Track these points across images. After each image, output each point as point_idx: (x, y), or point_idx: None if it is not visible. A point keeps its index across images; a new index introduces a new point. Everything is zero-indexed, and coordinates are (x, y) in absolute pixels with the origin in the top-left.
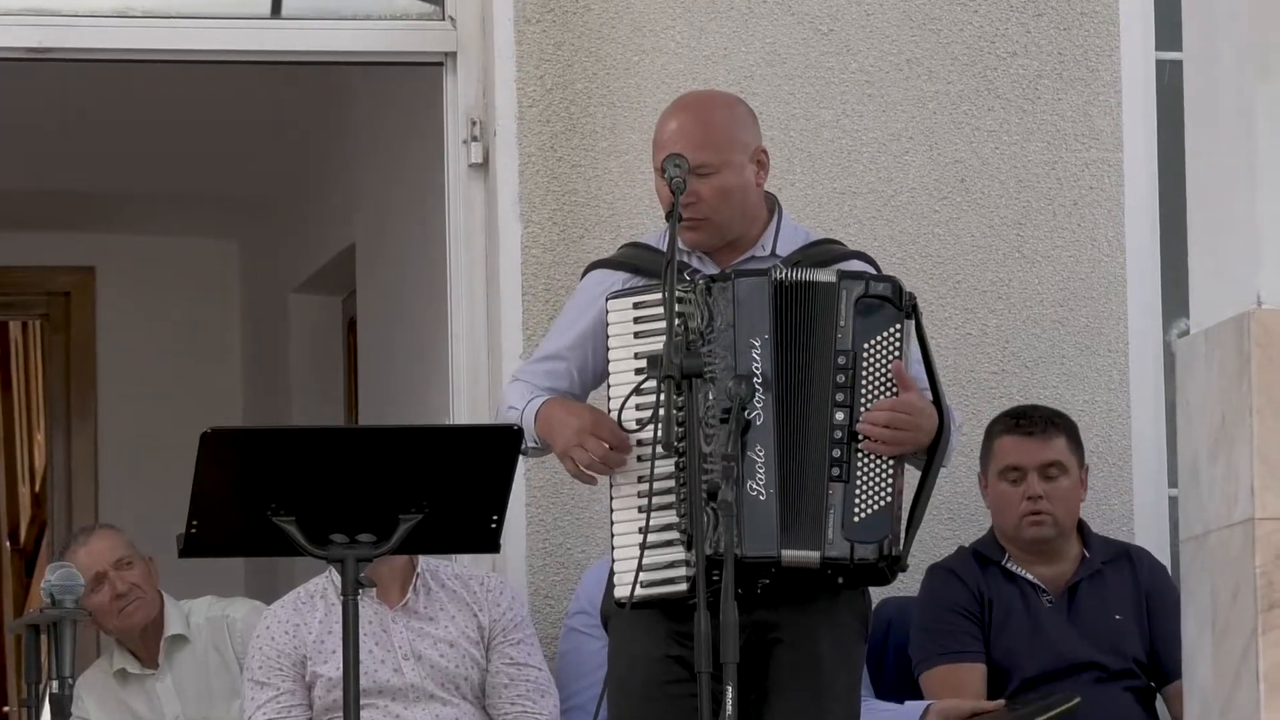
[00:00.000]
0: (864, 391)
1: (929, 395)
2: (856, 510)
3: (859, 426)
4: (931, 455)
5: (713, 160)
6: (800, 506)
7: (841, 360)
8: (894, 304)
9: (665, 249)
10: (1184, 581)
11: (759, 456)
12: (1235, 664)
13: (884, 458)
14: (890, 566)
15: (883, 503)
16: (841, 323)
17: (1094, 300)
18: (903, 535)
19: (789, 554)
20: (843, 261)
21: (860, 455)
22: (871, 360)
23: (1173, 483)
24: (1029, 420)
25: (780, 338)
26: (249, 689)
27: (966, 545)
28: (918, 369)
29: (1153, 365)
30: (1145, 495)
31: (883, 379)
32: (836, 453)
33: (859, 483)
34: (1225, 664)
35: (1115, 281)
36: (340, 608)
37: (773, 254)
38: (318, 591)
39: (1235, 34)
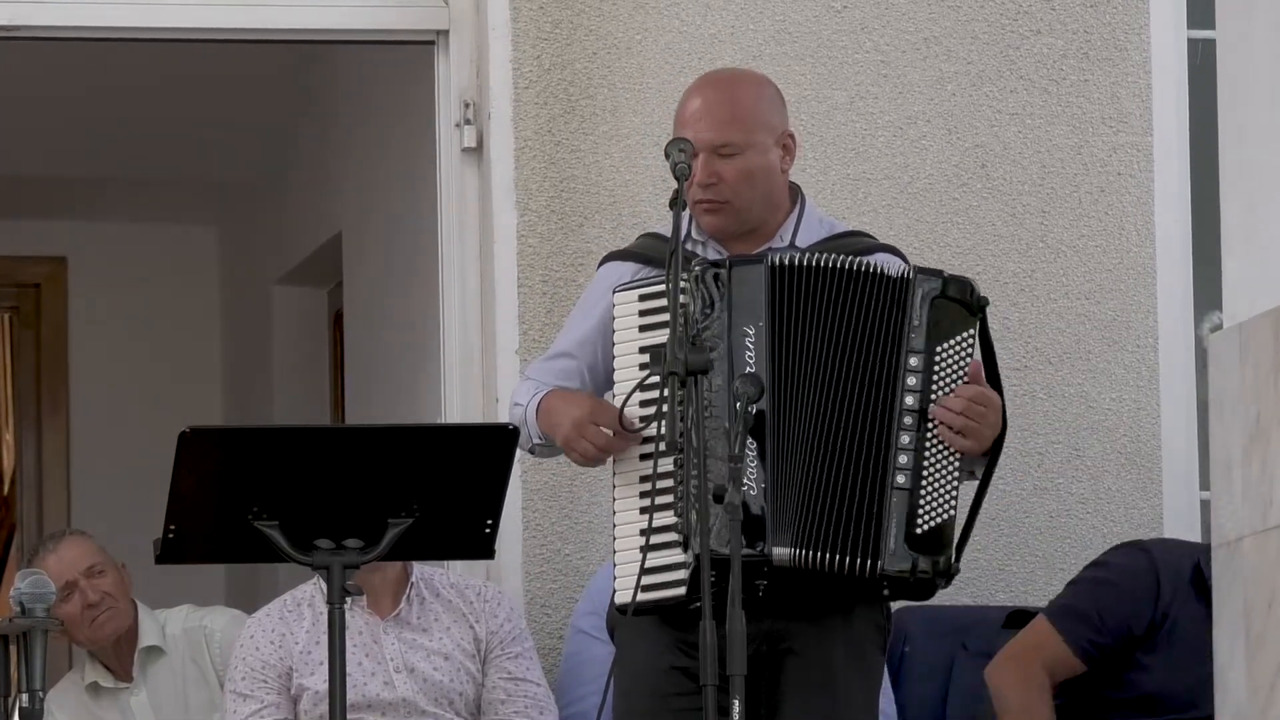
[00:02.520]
0: (935, 396)
1: None
2: (920, 522)
3: (933, 410)
4: (992, 463)
5: (738, 140)
6: (809, 506)
7: (914, 362)
8: (967, 306)
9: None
10: (1216, 589)
11: (750, 451)
12: (1270, 677)
13: (952, 467)
14: (945, 581)
15: (946, 517)
16: (915, 322)
17: (1122, 292)
18: (955, 549)
19: (779, 552)
20: (869, 255)
21: (930, 463)
22: (944, 364)
23: (1204, 485)
24: None
25: (778, 326)
26: (231, 701)
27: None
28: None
29: (1184, 361)
30: (1175, 499)
31: (955, 384)
32: (903, 459)
33: (925, 493)
34: (1260, 677)
35: (1144, 273)
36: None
37: (791, 245)
38: (305, 599)
39: (1271, 11)
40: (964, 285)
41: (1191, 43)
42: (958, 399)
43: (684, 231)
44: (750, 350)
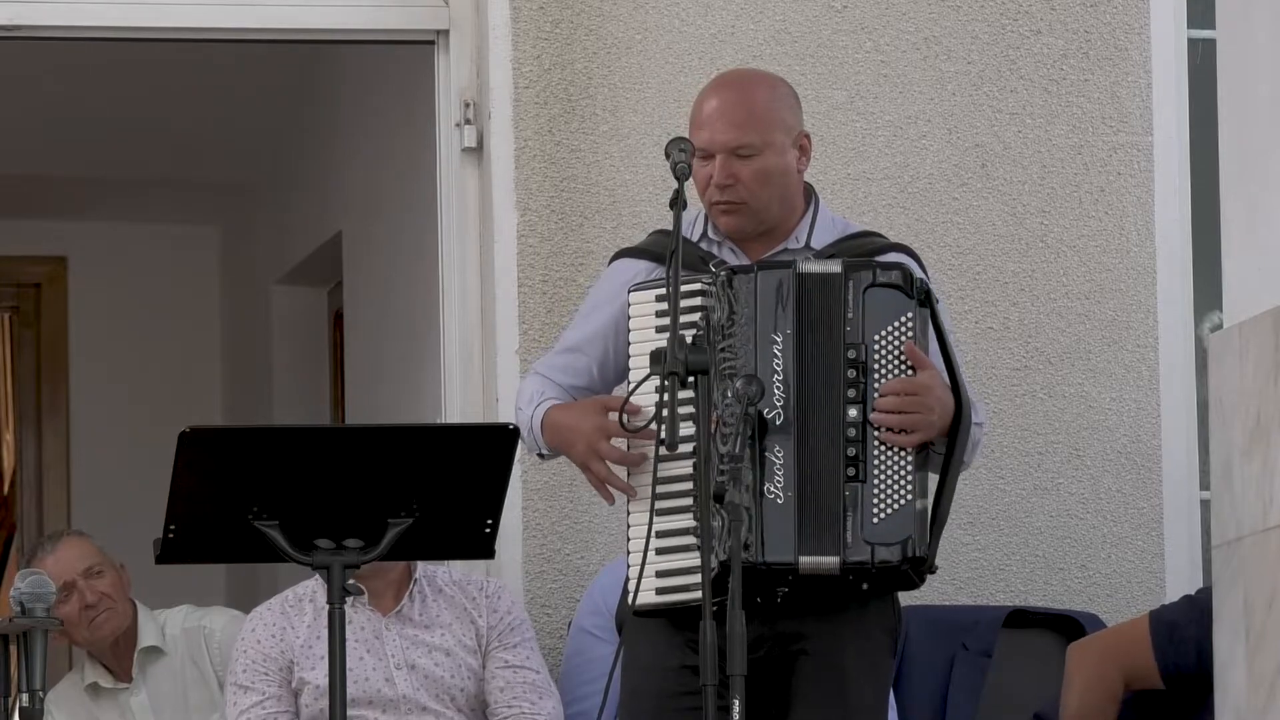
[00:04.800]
0: (876, 385)
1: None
2: (876, 511)
3: (871, 416)
4: (951, 445)
5: (755, 140)
6: (818, 510)
7: (851, 354)
8: (904, 291)
9: (694, 237)
10: (1216, 589)
11: (778, 458)
12: (1270, 675)
13: (903, 455)
14: (915, 569)
15: (903, 502)
16: (850, 314)
17: (1122, 292)
18: (928, 535)
19: (806, 560)
20: (882, 255)
21: (878, 453)
22: (883, 352)
23: (1204, 485)
24: None
25: (802, 333)
26: (231, 693)
27: None
28: (936, 361)
29: (1184, 361)
30: (1176, 498)
31: (895, 370)
32: (852, 451)
33: (877, 482)
34: (1260, 675)
35: (1144, 272)
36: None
37: (807, 246)
38: (306, 595)
39: (1271, 11)
40: (898, 271)
41: (1191, 43)
42: (890, 397)
43: (699, 231)
44: (778, 357)
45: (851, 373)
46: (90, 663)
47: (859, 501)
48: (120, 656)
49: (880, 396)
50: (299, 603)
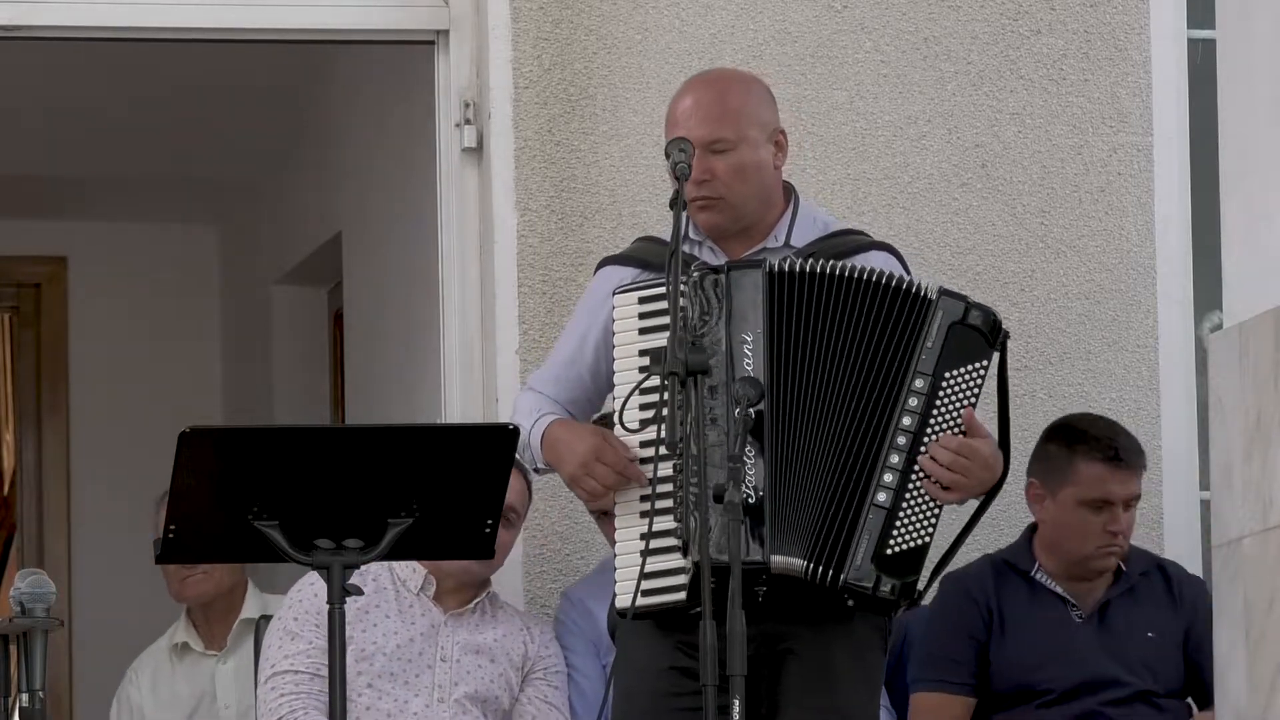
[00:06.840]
0: (934, 422)
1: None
2: (893, 543)
3: (920, 460)
4: (985, 503)
5: (729, 135)
6: (793, 511)
7: (919, 384)
8: (986, 338)
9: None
10: (1216, 589)
11: (748, 457)
12: (1270, 676)
13: (933, 498)
14: (908, 604)
15: (921, 542)
16: (929, 344)
17: (1122, 293)
18: (927, 575)
19: (777, 560)
20: (863, 254)
21: (913, 491)
22: (950, 391)
23: (1204, 486)
24: (1125, 451)
25: (777, 333)
26: (278, 639)
27: (993, 553)
28: (992, 419)
29: (1184, 361)
30: (1176, 499)
31: (955, 413)
32: (888, 477)
33: (903, 516)
34: (1260, 676)
35: (1144, 273)
36: (392, 594)
37: (787, 245)
38: (382, 568)
39: (1271, 11)
40: (987, 315)
41: (1191, 43)
42: (944, 450)
43: (682, 234)
44: (749, 357)
45: (913, 401)
46: (185, 622)
47: (879, 527)
48: (212, 622)
49: (936, 444)
50: (364, 572)
